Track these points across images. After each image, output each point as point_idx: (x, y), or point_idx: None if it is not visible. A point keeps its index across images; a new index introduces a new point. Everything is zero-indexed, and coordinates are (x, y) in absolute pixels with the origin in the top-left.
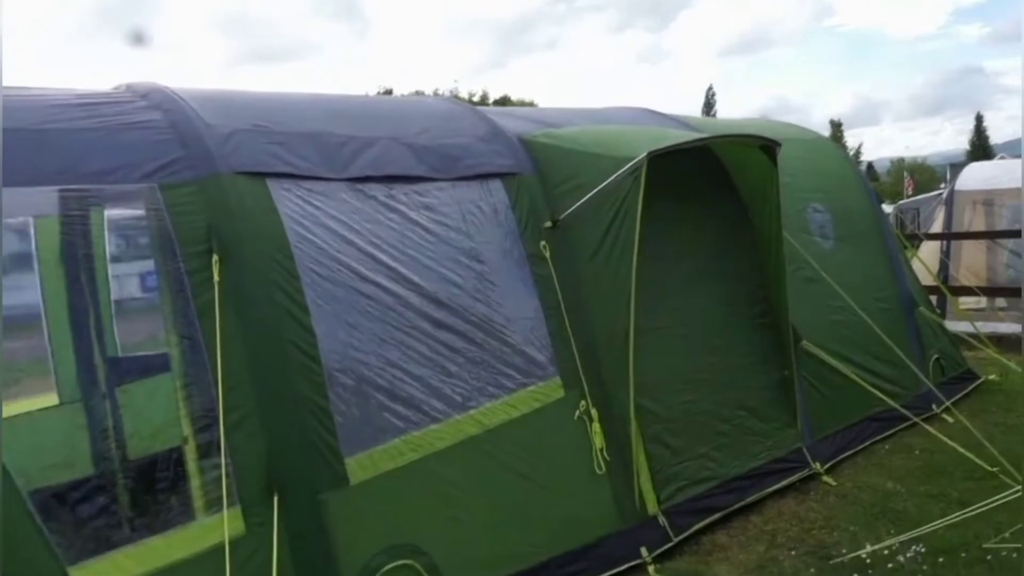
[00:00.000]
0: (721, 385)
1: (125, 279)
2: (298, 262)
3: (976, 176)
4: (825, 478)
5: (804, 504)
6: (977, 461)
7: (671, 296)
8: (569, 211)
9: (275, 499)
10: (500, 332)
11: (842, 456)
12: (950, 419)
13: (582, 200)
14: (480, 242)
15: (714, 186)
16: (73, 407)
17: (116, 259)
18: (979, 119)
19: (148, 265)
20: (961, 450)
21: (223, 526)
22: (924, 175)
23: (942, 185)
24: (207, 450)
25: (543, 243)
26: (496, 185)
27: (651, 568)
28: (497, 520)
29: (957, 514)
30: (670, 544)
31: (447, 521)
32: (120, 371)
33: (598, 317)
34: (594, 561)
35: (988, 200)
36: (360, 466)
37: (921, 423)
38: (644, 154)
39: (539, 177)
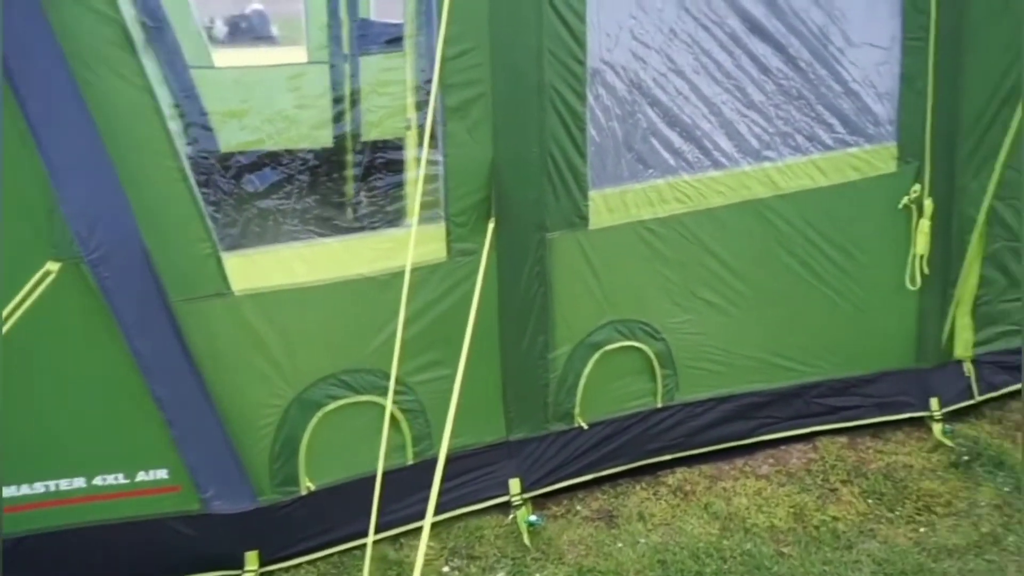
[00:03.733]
0: None
1: None
2: None
3: None
4: None
5: None
6: None
7: None
8: None
9: (490, 225)
10: (834, 58)
11: None
12: None
13: None
14: None
15: None
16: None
17: None
18: None
19: None
20: None
21: (426, 242)
22: None
23: None
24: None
25: None
26: None
27: (936, 427)
28: (761, 316)
29: None
30: (970, 402)
31: (700, 304)
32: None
33: (976, 67)
34: (866, 399)
35: None
36: (607, 205)
37: None
38: None
39: None
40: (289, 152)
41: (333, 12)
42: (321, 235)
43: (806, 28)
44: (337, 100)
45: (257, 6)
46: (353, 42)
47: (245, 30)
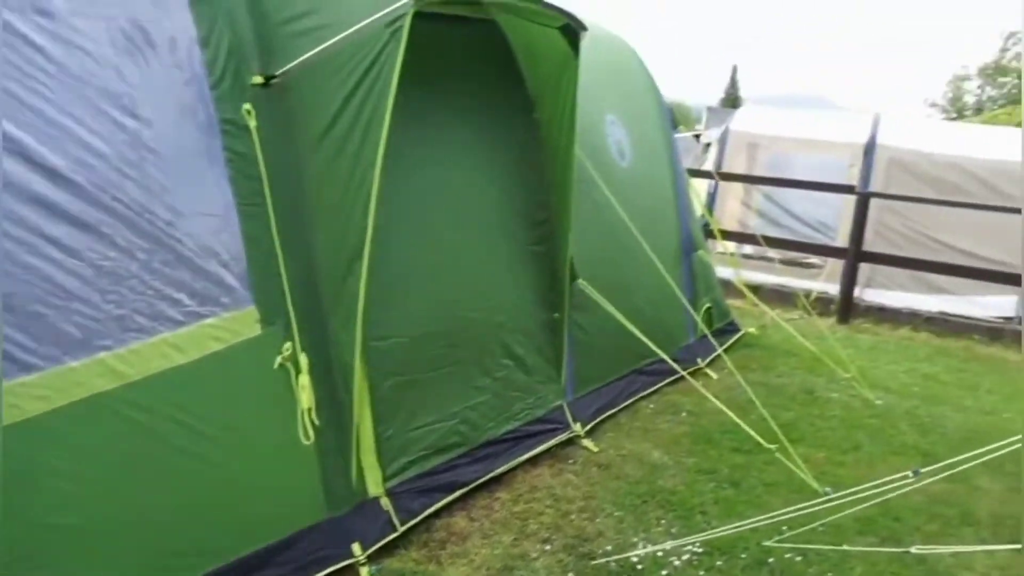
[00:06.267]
0: (489, 327)
1: None
2: None
3: (751, 118)
4: (585, 442)
5: (561, 476)
6: (752, 435)
7: (430, 205)
8: (295, 63)
9: None
10: (164, 232)
11: (605, 416)
12: (715, 375)
13: (317, 49)
14: (138, 86)
15: (497, 73)
16: None
17: None
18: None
19: None
20: (733, 417)
21: None
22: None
23: (698, 126)
24: None
25: (247, 107)
26: (177, 3)
27: (364, 570)
28: (141, 522)
29: (751, 521)
30: (393, 535)
31: (54, 532)
32: None
33: (324, 222)
34: (283, 567)
35: (754, 144)
36: None
37: (690, 379)
38: (410, 0)
39: (253, 2)
40: None
41: None
42: None
43: (123, 205)
44: None
45: None
46: None
47: None
